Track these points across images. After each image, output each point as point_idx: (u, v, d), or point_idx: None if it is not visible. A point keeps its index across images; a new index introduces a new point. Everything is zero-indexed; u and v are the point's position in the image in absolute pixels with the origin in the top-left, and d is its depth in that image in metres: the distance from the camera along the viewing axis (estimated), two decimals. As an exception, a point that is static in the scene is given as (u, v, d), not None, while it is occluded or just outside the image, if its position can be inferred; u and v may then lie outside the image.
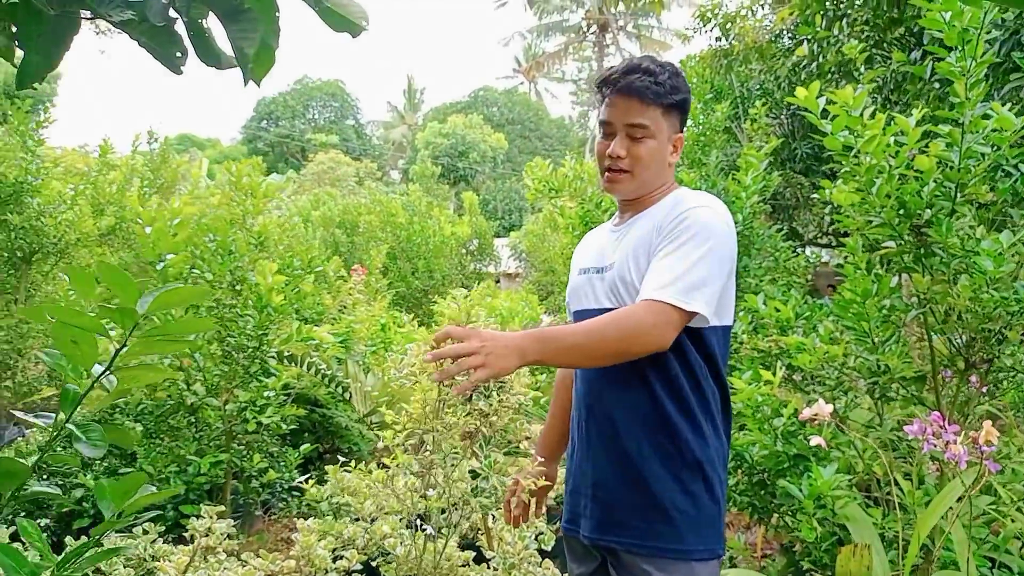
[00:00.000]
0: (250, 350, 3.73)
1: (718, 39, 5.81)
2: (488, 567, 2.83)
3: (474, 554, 2.85)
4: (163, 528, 3.15)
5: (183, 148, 30.43)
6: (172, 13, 1.35)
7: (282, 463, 3.99)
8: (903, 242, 2.49)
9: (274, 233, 5.12)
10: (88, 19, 1.35)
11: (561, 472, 2.07)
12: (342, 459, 3.31)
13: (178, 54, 1.44)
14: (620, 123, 1.73)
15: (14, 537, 2.91)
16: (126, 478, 0.89)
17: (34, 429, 4.09)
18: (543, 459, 2.05)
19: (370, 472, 2.91)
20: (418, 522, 2.64)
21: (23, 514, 3.28)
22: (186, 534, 2.92)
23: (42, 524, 3.07)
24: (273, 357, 3.88)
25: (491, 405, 2.09)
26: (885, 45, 4.40)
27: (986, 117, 2.31)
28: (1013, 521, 2.38)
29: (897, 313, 2.54)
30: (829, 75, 4.56)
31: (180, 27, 1.46)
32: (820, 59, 4.61)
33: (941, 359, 2.63)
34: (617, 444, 1.70)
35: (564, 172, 4.44)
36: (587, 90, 37.86)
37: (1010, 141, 2.29)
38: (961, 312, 2.42)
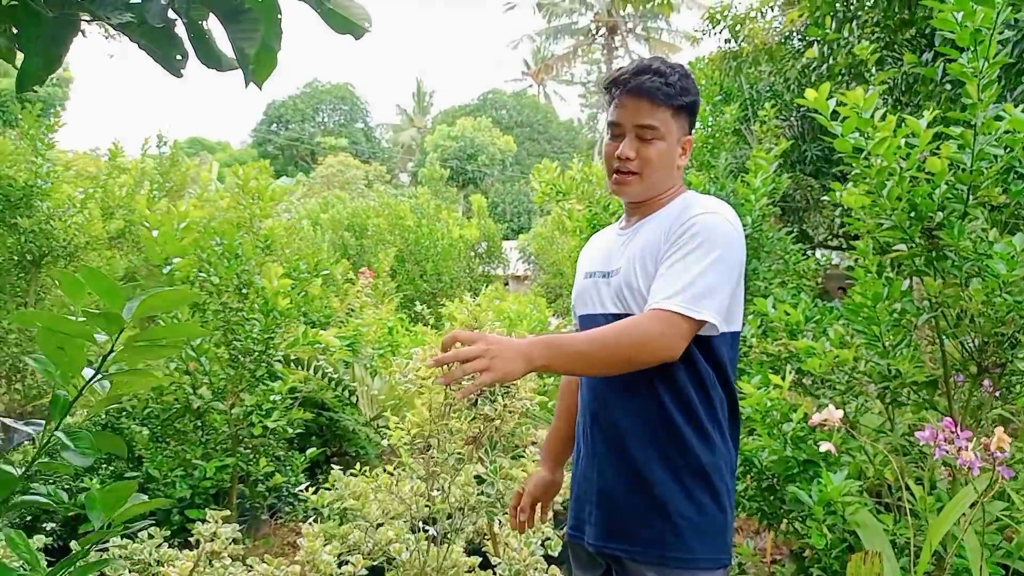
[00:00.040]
0: (256, 354, 3.73)
1: (727, 41, 5.78)
2: (494, 573, 2.81)
3: (480, 559, 2.83)
4: (168, 532, 3.14)
5: (193, 151, 30.58)
6: (171, 15, 1.34)
7: (288, 467, 3.98)
8: (914, 245, 2.46)
9: (281, 236, 5.12)
10: (87, 21, 1.34)
11: (567, 477, 2.05)
12: (341, 464, 3.30)
13: (178, 56, 1.43)
14: (629, 124, 1.71)
15: (19, 541, 2.91)
16: (116, 486, 0.88)
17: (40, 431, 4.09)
18: (549, 464, 2.03)
19: (375, 476, 2.90)
20: (423, 527, 2.62)
21: (28, 518, 3.28)
22: (192, 538, 2.91)
23: (48, 528, 3.07)
24: (279, 361, 3.87)
25: (496, 410, 2.07)
26: (896, 47, 4.36)
27: (999, 119, 2.28)
28: (1027, 528, 2.34)
29: (908, 317, 2.51)
30: (839, 77, 4.53)
31: (180, 29, 1.45)
32: (830, 61, 4.58)
33: (953, 363, 2.60)
34: (623, 451, 1.68)
35: (571, 175, 4.42)
36: (596, 92, 37.82)
37: (1023, 143, 2.26)
38: (973, 316, 2.38)
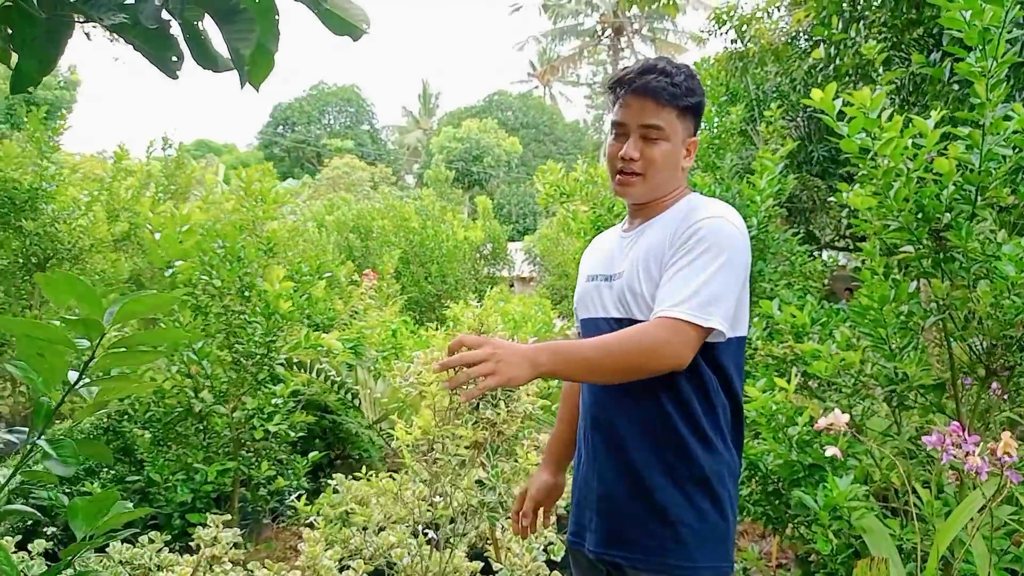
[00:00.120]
0: (258, 357, 3.71)
1: (733, 41, 5.75)
2: (496, 578, 2.78)
3: (482, 564, 2.80)
4: (169, 537, 3.12)
5: (200, 154, 30.70)
6: (166, 16, 1.33)
7: (290, 470, 3.97)
8: (921, 246, 2.43)
9: (284, 239, 5.11)
10: (81, 23, 1.33)
11: (569, 480, 2.03)
12: (344, 467, 3.28)
13: (174, 58, 1.41)
14: (634, 124, 1.69)
15: (20, 546, 2.90)
16: (98, 496, 0.86)
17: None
18: (551, 467, 2.01)
19: (379, 481, 2.88)
20: (425, 531, 2.60)
21: (29, 523, 3.28)
22: (193, 543, 2.90)
23: (48, 532, 3.06)
24: (282, 364, 3.86)
25: (498, 414, 2.04)
26: (903, 47, 4.32)
27: (1007, 118, 2.25)
28: (1036, 533, 2.31)
29: (915, 319, 2.49)
30: (846, 77, 4.49)
31: (177, 31, 1.44)
32: (837, 61, 4.55)
33: (961, 366, 2.57)
34: (623, 457, 1.66)
35: (575, 176, 4.40)
36: (602, 94, 37.76)
37: (1032, 143, 2.24)
38: (982, 318, 2.36)
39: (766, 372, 2.76)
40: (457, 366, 1.41)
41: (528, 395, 2.17)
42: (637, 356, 1.50)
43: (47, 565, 2.52)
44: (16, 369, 0.85)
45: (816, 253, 5.06)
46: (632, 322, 1.64)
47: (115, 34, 1.35)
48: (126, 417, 3.94)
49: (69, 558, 0.84)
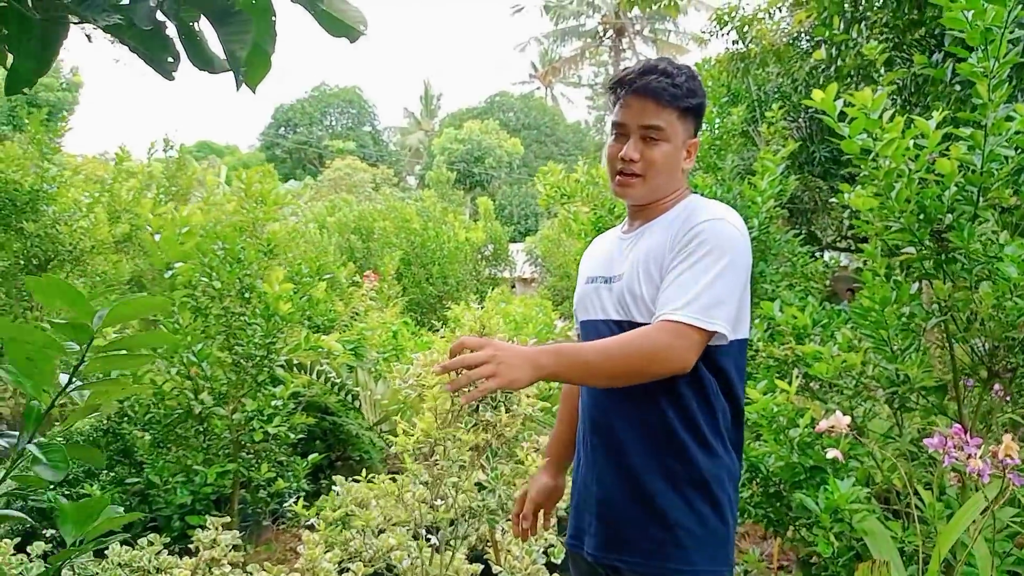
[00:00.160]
0: (258, 359, 3.71)
1: (735, 42, 5.74)
2: (496, 581, 2.77)
3: (481, 567, 2.80)
4: (169, 539, 3.12)
5: (202, 155, 30.72)
6: (161, 17, 1.32)
7: (290, 472, 3.96)
8: (923, 248, 2.42)
9: (284, 240, 5.10)
10: (75, 23, 1.32)
11: (569, 482, 2.02)
12: (345, 469, 3.28)
13: (169, 59, 1.40)
14: (634, 124, 1.68)
15: (19, 548, 2.90)
16: (88, 501, 0.85)
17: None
18: (551, 469, 2.01)
19: (380, 483, 2.87)
20: (425, 534, 2.59)
21: (28, 525, 3.27)
22: (192, 545, 2.89)
23: (48, 535, 3.06)
24: (282, 366, 3.85)
25: (497, 416, 2.04)
26: (905, 47, 4.31)
27: (1009, 119, 2.24)
28: (1039, 536, 2.30)
29: (917, 321, 2.47)
30: (848, 78, 4.48)
31: (173, 31, 1.43)
32: (839, 62, 4.53)
33: (963, 368, 2.56)
34: (622, 460, 1.65)
35: (576, 177, 4.39)
36: (603, 95, 37.76)
37: (1034, 143, 2.22)
38: (984, 320, 2.34)
39: (767, 374, 2.75)
40: (458, 368, 1.41)
41: (528, 397, 2.16)
42: (639, 360, 1.49)
43: (47, 567, 2.52)
44: (6, 373, 0.84)
45: (818, 254, 5.05)
46: (632, 324, 1.63)
47: (110, 35, 1.34)
48: (126, 419, 3.93)
49: (58, 564, 0.84)
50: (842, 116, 2.38)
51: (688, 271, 1.56)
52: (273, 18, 1.50)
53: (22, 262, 5.84)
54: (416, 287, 10.06)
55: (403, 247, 10.25)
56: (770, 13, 5.69)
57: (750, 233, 2.82)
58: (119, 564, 2.69)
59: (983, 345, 2.51)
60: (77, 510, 0.84)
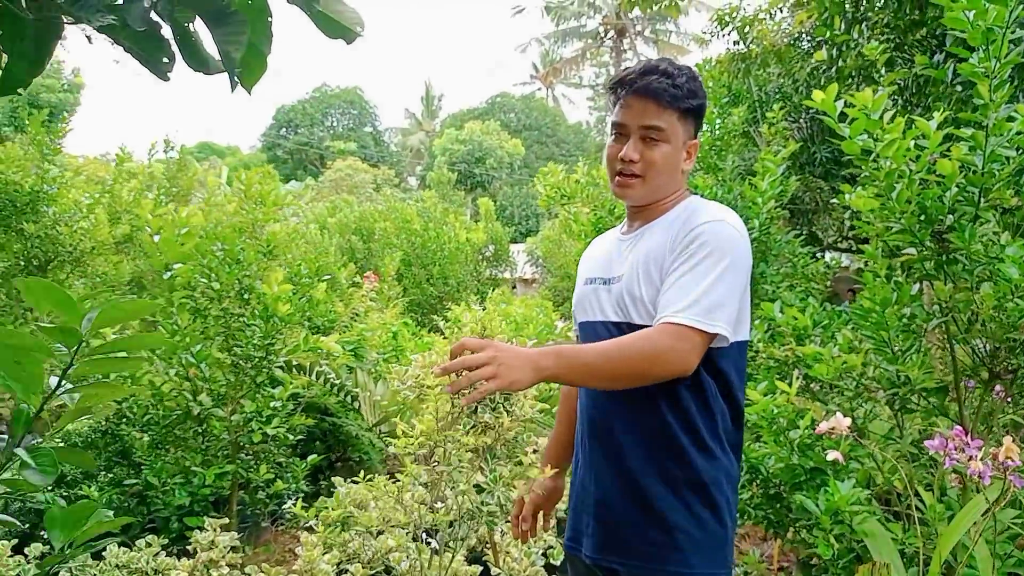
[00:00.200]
0: (257, 360, 3.70)
1: (736, 43, 5.73)
2: (495, 583, 2.77)
3: (480, 569, 2.79)
4: (167, 541, 3.11)
5: (203, 156, 30.74)
6: (155, 17, 1.31)
7: (289, 473, 3.95)
8: (924, 249, 2.41)
9: (284, 241, 5.10)
10: (69, 23, 1.31)
11: (568, 483, 2.02)
12: (344, 470, 3.27)
13: (164, 59, 1.40)
14: (635, 125, 1.67)
15: (16, 549, 2.89)
16: (77, 505, 0.84)
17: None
18: (551, 470, 2.00)
19: (379, 484, 2.86)
20: (424, 536, 2.58)
21: (26, 526, 3.27)
22: (190, 547, 2.88)
23: (46, 537, 3.05)
24: (281, 367, 3.84)
25: (497, 418, 2.03)
26: (906, 48, 4.30)
27: (1011, 119, 2.23)
28: (1040, 538, 2.29)
29: (918, 322, 2.46)
30: (849, 79, 4.47)
31: (168, 32, 1.42)
32: (840, 63, 4.52)
33: (964, 369, 2.55)
34: (621, 463, 1.64)
35: (576, 178, 4.38)
36: (604, 95, 37.74)
37: (1036, 144, 2.21)
38: (985, 321, 2.33)
39: (767, 375, 2.74)
40: (459, 370, 1.40)
41: (527, 398, 2.16)
42: (641, 362, 1.49)
43: (41, 570, 2.51)
44: (-5, 377, 0.84)
45: (819, 255, 5.04)
46: (630, 326, 1.62)
47: (105, 35, 1.34)
48: (124, 420, 3.92)
49: (47, 569, 0.83)
50: (843, 117, 2.37)
51: (689, 273, 1.55)
52: (269, 19, 1.50)
53: (22, 263, 5.84)
54: (417, 288, 10.06)
55: (404, 248, 10.25)
56: (771, 14, 5.68)
57: (751, 234, 2.81)
58: (117, 566, 2.68)
59: (984, 346, 2.50)
60: (65, 515, 0.83)
